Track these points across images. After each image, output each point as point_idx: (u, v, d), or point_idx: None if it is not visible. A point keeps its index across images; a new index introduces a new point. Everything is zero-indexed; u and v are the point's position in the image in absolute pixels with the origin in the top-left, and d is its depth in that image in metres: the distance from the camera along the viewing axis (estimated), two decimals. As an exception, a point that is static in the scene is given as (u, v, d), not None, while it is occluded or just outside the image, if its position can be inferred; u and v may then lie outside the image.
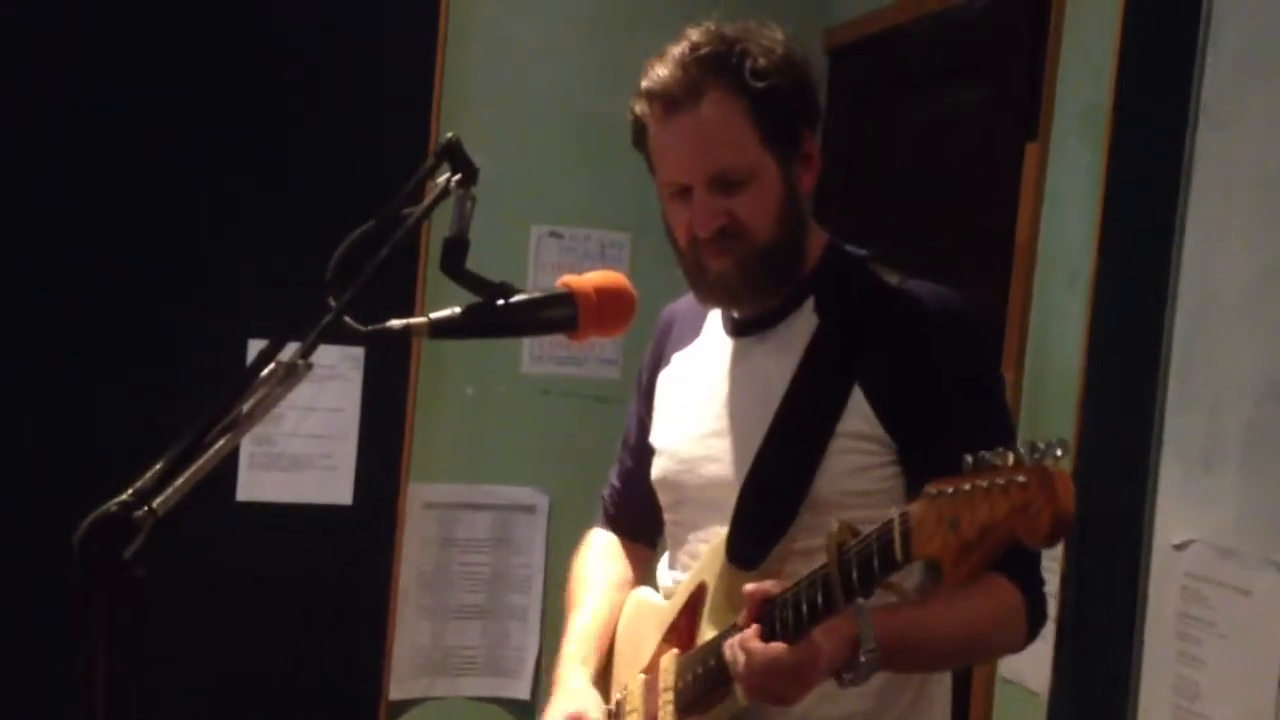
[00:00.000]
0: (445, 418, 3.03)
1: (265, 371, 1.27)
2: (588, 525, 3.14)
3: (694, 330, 1.86)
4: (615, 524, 2.01)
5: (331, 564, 2.94)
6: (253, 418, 1.26)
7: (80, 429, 2.76)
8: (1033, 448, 1.20)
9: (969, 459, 1.25)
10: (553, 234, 3.05)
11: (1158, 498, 2.12)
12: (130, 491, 1.17)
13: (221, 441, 1.23)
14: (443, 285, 2.77)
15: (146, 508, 1.16)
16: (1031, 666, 2.34)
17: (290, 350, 1.29)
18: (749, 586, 1.53)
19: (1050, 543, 1.21)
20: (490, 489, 3.08)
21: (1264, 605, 1.89)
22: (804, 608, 1.44)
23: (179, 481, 1.18)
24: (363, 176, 2.79)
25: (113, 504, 1.15)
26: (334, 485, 2.93)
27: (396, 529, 2.99)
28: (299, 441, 2.89)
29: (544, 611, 3.10)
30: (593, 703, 1.78)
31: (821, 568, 1.43)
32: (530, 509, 3.10)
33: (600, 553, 1.99)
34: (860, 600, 1.43)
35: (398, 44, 2.92)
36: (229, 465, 2.83)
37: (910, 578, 1.67)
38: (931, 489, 1.29)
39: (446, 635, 3.07)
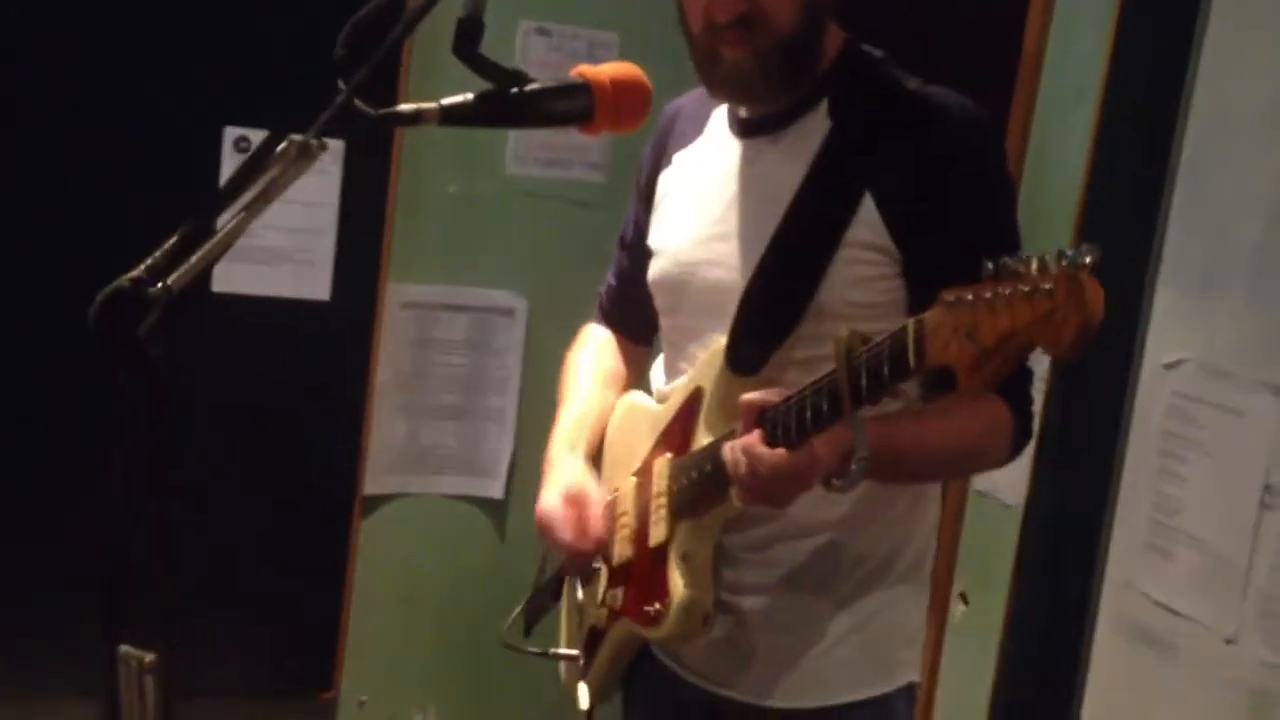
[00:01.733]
0: (425, 218, 2.98)
1: (278, 151, 1.23)
2: (566, 330, 3.12)
3: (697, 129, 1.81)
4: (611, 321, 1.99)
5: (308, 359, 2.91)
6: (267, 198, 1.22)
7: (56, 217, 2.69)
8: (1059, 254, 1.16)
9: (989, 265, 1.22)
10: (540, 31, 2.95)
11: (1152, 316, 2.13)
12: (143, 267, 1.13)
13: (235, 222, 1.19)
14: (425, 77, 2.67)
15: (161, 284, 1.12)
16: (1008, 479, 2.37)
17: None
18: (746, 396, 1.51)
19: (1074, 353, 1.18)
20: (469, 291, 3.04)
21: (1254, 426, 1.92)
22: (808, 414, 1.43)
23: (193, 259, 1.15)
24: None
25: (125, 279, 1.11)
26: (312, 280, 2.88)
27: (374, 327, 2.95)
28: (276, 234, 2.84)
29: (520, 414, 3.09)
30: (589, 481, 1.79)
31: (829, 374, 1.41)
32: (509, 312, 3.07)
33: (595, 347, 1.98)
34: (859, 409, 1.41)
35: None
36: (206, 256, 2.78)
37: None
38: (949, 296, 1.25)
39: (422, 434, 3.07)
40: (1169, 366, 2.08)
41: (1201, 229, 2.07)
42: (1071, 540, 2.25)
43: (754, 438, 1.48)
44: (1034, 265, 1.18)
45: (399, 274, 2.97)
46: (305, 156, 1.24)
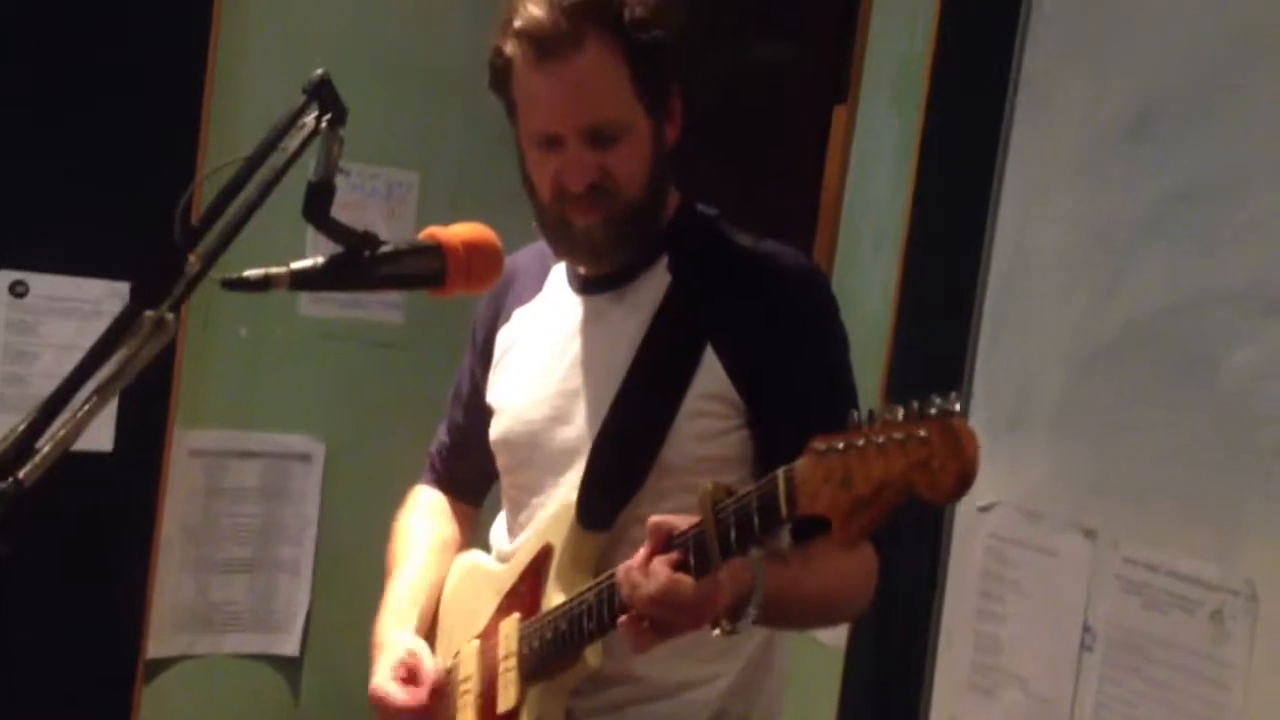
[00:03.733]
0: (216, 360, 2.85)
1: (133, 329, 1.15)
2: (367, 474, 3.02)
3: (536, 285, 1.80)
4: (442, 481, 1.94)
5: (89, 515, 2.71)
6: (121, 378, 1.14)
7: None
8: (925, 401, 1.18)
9: (856, 414, 1.24)
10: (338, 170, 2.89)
11: (965, 460, 2.19)
12: (-12, 461, 1.03)
13: (87, 406, 1.11)
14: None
15: (10, 478, 1.03)
16: (826, 620, 2.40)
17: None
18: (654, 518, 1.44)
19: (954, 498, 1.19)
20: (263, 436, 2.92)
21: (1068, 566, 1.99)
22: (717, 545, 1.38)
23: (45, 450, 1.06)
24: (125, 101, 2.59)
25: (-30, 474, 1.01)
26: (93, 430, 2.69)
27: (160, 478, 2.80)
28: (55, 383, 2.65)
29: (316, 564, 2.96)
30: (424, 653, 1.71)
31: (696, 525, 1.39)
32: (305, 457, 2.96)
33: (426, 512, 1.91)
34: (756, 553, 1.40)
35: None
36: (-25, 408, 2.59)
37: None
38: (819, 444, 1.26)
39: (211, 590, 2.90)
40: (983, 509, 2.14)
41: (1007, 374, 2.15)
42: (895, 680, 2.28)
43: (662, 560, 1.40)
44: (900, 413, 1.20)
45: (186, 420, 2.83)
46: (161, 332, 1.17)
